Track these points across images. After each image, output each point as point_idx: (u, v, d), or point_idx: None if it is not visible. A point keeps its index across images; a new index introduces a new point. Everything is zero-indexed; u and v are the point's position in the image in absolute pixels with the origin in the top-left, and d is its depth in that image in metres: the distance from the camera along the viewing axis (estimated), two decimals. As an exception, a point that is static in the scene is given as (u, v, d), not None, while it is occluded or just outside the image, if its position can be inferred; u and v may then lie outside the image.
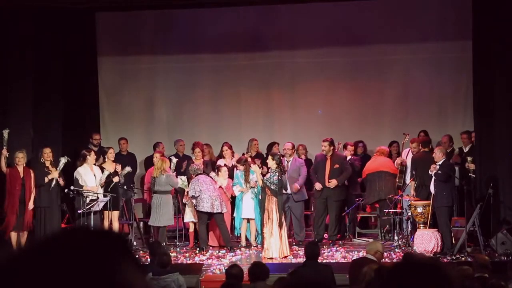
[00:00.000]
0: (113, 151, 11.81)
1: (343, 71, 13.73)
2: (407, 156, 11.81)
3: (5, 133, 10.66)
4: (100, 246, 1.27)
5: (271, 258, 10.20)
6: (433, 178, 10.50)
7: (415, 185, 11.14)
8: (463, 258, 9.77)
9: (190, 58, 13.95)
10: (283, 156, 11.40)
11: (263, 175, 10.79)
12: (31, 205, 10.73)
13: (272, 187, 10.42)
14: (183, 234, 12.00)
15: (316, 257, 7.51)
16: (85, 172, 11.13)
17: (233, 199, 11.79)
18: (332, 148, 11.51)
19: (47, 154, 10.86)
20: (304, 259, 7.74)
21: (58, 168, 10.83)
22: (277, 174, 10.45)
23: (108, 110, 14.07)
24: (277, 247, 10.30)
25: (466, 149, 12.02)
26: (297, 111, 13.88)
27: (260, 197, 10.83)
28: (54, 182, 10.79)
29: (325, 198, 11.42)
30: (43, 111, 11.85)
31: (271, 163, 10.56)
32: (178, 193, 11.98)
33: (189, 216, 11.59)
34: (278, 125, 13.88)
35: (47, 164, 10.84)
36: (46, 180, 10.74)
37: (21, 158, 10.70)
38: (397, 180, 11.61)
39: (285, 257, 10.33)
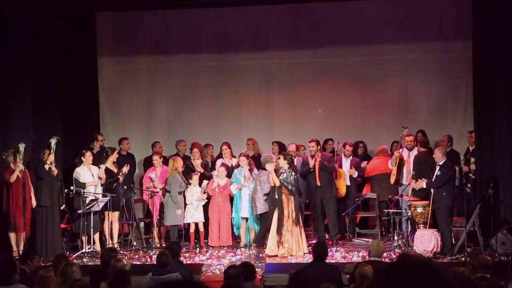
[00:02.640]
0: (117, 152, 11.85)
1: (343, 71, 13.72)
2: (402, 152, 11.79)
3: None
4: None
5: (296, 256, 10.39)
6: (434, 178, 10.50)
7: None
8: (463, 258, 9.76)
9: (190, 58, 13.95)
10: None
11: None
12: (34, 203, 10.75)
13: (289, 187, 10.53)
14: (183, 234, 11.99)
15: (323, 257, 7.50)
16: (83, 172, 11.14)
17: (231, 198, 11.79)
18: (319, 148, 11.55)
19: (48, 156, 10.84)
20: (312, 260, 7.76)
21: (51, 150, 10.83)
22: (293, 174, 10.55)
23: (108, 110, 14.07)
24: (296, 246, 10.43)
25: (472, 149, 11.96)
26: (297, 111, 13.88)
27: (276, 196, 10.81)
28: (54, 166, 10.80)
29: (320, 198, 11.46)
30: (43, 111, 11.85)
31: (283, 163, 10.64)
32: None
33: (189, 216, 11.59)
34: (278, 125, 13.87)
35: (48, 162, 10.83)
36: (47, 167, 10.73)
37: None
38: (393, 174, 11.62)
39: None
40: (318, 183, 11.40)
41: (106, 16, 13.71)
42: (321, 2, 13.39)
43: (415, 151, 11.78)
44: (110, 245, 11.00)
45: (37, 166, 10.86)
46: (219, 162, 12.27)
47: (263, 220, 11.31)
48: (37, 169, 10.83)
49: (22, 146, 10.61)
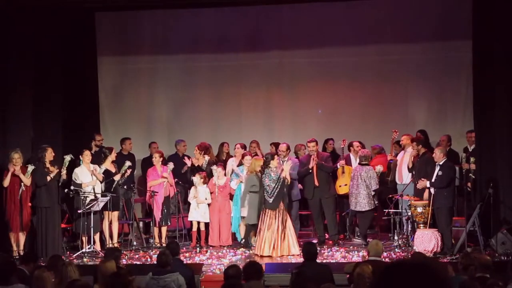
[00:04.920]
0: (115, 151, 11.83)
1: (343, 71, 13.73)
2: (404, 155, 11.77)
3: (68, 158, 10.86)
4: None
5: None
6: (434, 178, 10.48)
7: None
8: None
9: (190, 58, 13.96)
10: (277, 155, 11.50)
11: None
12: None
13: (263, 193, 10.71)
14: (183, 234, 11.98)
15: (314, 257, 7.49)
16: (81, 172, 11.13)
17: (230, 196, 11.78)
18: (317, 148, 11.57)
19: (48, 154, 10.83)
20: (303, 260, 7.74)
21: (63, 166, 10.86)
22: (273, 176, 10.63)
23: (108, 110, 14.08)
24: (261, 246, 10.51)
25: (471, 149, 11.96)
26: (297, 111, 13.89)
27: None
28: (59, 178, 10.81)
29: (318, 197, 11.45)
30: (43, 111, 11.84)
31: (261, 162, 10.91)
32: (179, 192, 11.97)
33: (193, 215, 11.55)
34: (278, 125, 13.88)
35: (47, 164, 10.80)
36: (49, 179, 10.72)
37: (17, 159, 10.66)
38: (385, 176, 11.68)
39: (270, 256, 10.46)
40: (316, 183, 11.41)
41: (106, 16, 13.72)
42: (321, 2, 13.40)
43: (409, 151, 11.67)
44: (110, 245, 10.98)
45: (37, 176, 10.77)
46: (230, 163, 12.21)
47: (363, 217, 11.34)
48: (37, 179, 10.76)
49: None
